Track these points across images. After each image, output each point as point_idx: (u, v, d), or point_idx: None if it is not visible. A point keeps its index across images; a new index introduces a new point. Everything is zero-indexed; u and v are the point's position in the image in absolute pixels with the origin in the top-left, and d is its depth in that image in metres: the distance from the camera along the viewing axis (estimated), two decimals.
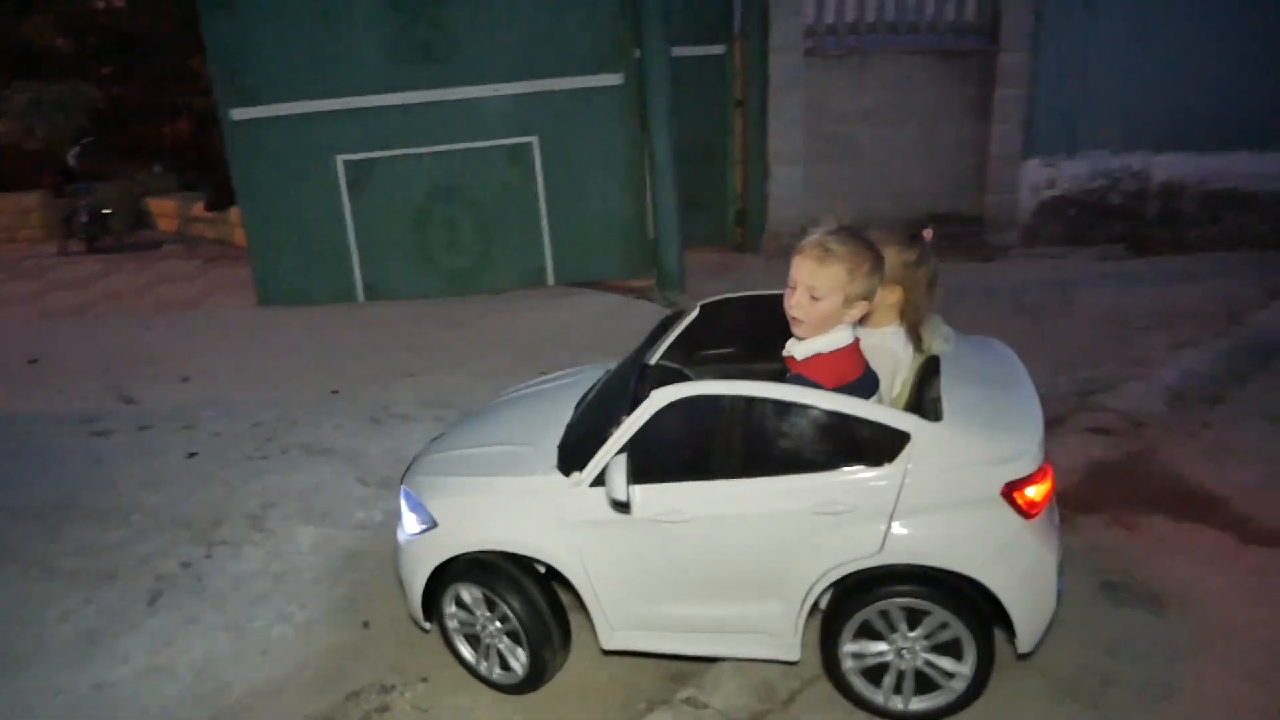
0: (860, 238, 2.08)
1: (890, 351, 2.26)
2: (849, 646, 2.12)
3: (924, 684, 2.10)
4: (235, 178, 6.15)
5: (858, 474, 2.01)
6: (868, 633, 2.10)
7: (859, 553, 2.02)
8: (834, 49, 6.63)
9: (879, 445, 2.00)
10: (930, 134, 6.75)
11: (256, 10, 5.87)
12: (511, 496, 2.32)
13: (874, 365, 2.20)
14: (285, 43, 5.90)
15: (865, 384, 2.13)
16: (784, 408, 2.05)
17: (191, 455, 3.81)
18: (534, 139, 6.19)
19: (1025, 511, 1.96)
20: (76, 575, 2.97)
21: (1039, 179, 6.83)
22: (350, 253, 6.26)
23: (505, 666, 2.32)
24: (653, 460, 2.12)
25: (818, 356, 2.12)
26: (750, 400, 2.07)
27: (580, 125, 6.20)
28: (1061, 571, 2.05)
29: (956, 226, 6.78)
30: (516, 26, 5.98)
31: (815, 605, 2.14)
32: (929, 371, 2.28)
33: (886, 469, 1.99)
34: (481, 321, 5.61)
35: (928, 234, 2.24)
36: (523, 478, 2.33)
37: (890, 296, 2.23)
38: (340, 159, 6.08)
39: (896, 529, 1.99)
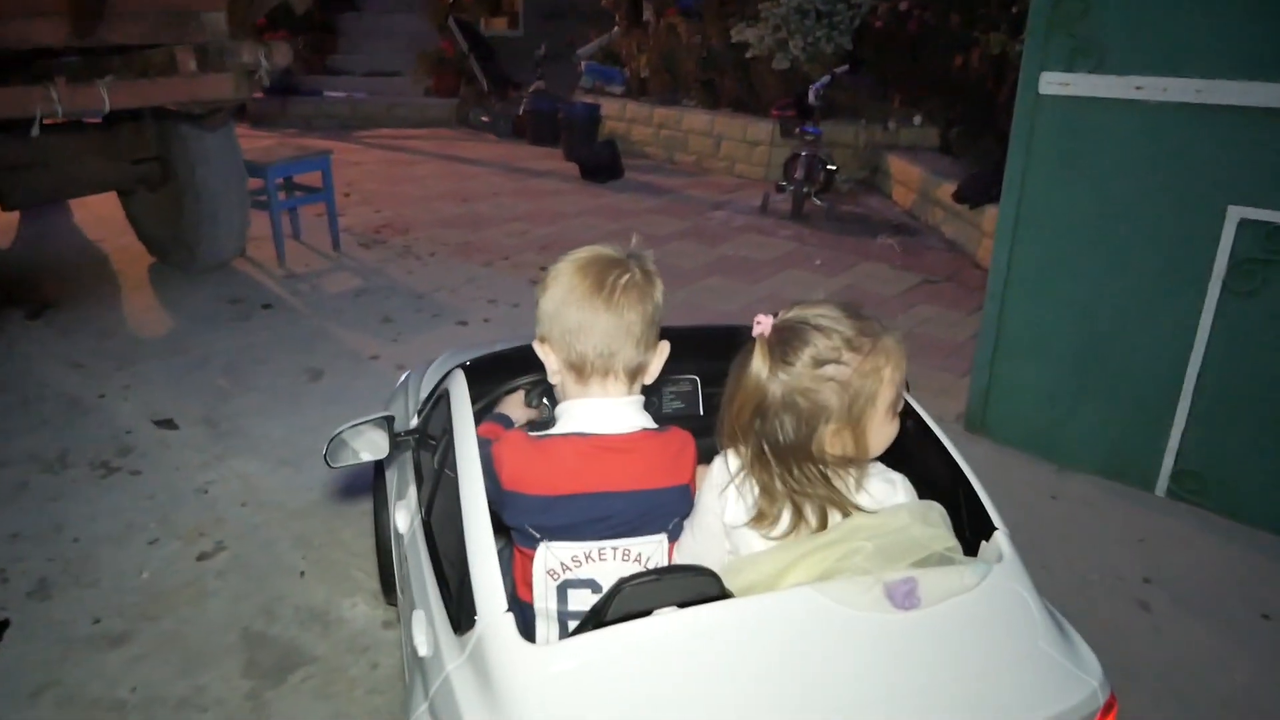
0: None
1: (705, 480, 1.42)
2: None
3: None
4: (1010, 179, 3.26)
5: (435, 624, 1.37)
6: None
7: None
8: None
9: (465, 609, 1.28)
10: None
11: None
12: None
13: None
14: None
15: (527, 507, 1.38)
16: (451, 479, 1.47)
17: None
18: None
19: None
20: None
21: None
22: (1177, 396, 2.99)
23: None
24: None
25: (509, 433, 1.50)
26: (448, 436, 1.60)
27: None
28: None
29: None
30: None
31: None
32: None
33: (454, 640, 1.29)
34: None
35: (762, 322, 1.31)
36: None
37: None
38: (1237, 212, 2.77)
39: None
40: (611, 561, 1.41)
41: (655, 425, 1.46)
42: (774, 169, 7.16)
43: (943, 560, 1.25)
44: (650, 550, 1.43)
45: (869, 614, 1.16)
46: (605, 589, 1.29)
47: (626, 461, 1.40)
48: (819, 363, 1.25)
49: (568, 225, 6.19)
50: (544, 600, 1.42)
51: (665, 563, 1.43)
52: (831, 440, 1.27)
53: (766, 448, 1.30)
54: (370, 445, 1.87)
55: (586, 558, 1.40)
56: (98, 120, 4.54)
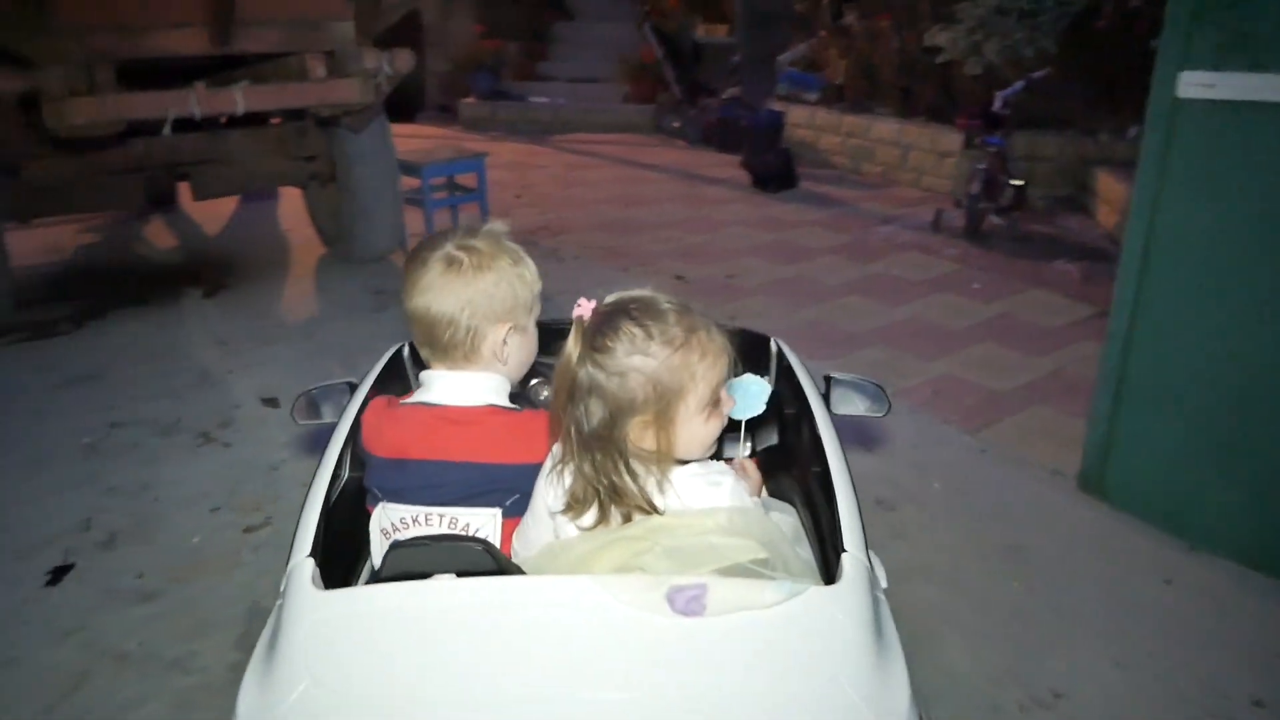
0: None
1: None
2: None
3: None
4: (1140, 198, 2.74)
5: None
6: None
7: None
8: None
9: None
10: None
11: None
12: None
13: None
14: None
15: (374, 467, 1.53)
16: None
17: None
18: None
19: None
20: None
21: None
22: None
23: None
24: None
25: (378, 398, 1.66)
26: None
27: None
28: None
29: None
30: None
31: None
32: None
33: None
34: None
35: (583, 305, 1.31)
36: None
37: None
38: None
39: None
40: (438, 527, 1.48)
41: (512, 406, 1.55)
42: (964, 182, 6.60)
43: (749, 572, 1.19)
44: (480, 523, 1.48)
45: (642, 613, 1.11)
46: None
47: (465, 433, 1.47)
48: (628, 352, 1.24)
49: (719, 234, 6.04)
50: (379, 558, 1.51)
51: (496, 536, 1.47)
52: (638, 434, 1.26)
53: (574, 433, 1.28)
54: (335, 408, 1.98)
55: (414, 521, 1.48)
56: (278, 121, 5.00)
